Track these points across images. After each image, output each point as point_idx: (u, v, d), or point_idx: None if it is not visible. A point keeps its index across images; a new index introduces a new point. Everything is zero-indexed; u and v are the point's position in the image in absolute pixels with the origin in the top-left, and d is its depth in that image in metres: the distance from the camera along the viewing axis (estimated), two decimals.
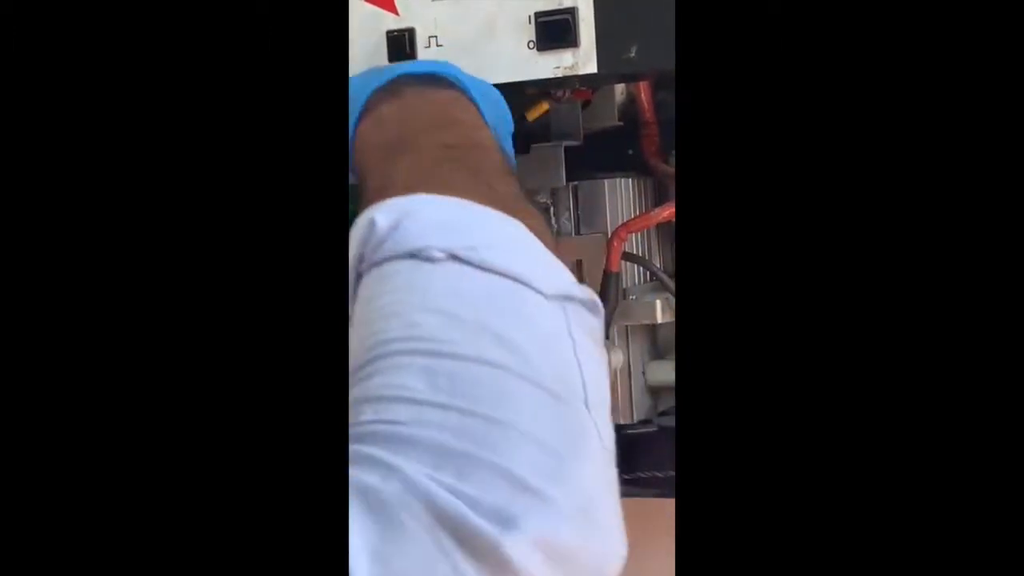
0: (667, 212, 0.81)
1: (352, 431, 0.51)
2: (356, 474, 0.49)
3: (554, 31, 0.71)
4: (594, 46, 0.71)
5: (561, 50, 0.71)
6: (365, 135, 0.63)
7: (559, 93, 0.81)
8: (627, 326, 0.84)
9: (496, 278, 0.53)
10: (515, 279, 0.54)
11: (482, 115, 0.65)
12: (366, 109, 0.63)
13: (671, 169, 0.85)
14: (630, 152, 0.88)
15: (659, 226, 0.85)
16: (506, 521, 0.48)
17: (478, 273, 0.53)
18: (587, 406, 0.53)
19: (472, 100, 0.65)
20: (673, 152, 0.87)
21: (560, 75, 0.72)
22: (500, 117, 0.69)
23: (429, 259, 0.53)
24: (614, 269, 0.81)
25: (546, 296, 0.54)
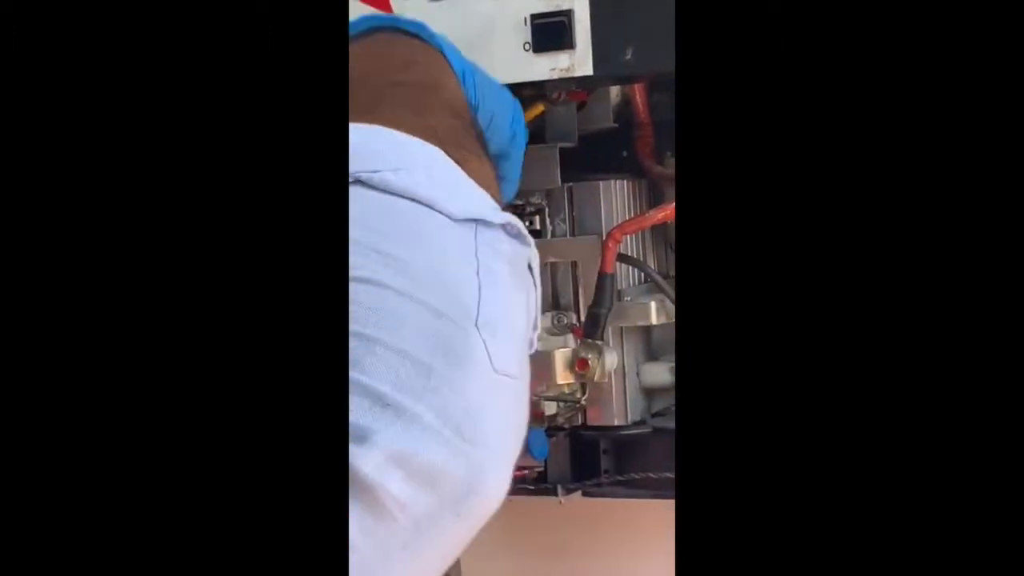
0: (662, 214, 0.81)
1: None
2: None
3: (550, 33, 0.71)
4: (590, 48, 0.71)
5: (557, 52, 0.72)
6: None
7: (555, 95, 0.81)
8: (622, 328, 0.84)
9: (398, 200, 0.53)
10: (418, 201, 0.54)
11: (453, 69, 0.65)
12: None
13: (666, 171, 0.85)
14: (625, 154, 0.88)
15: (654, 228, 0.86)
16: (360, 438, 0.48)
17: (379, 196, 0.53)
18: (477, 325, 0.52)
19: (444, 55, 0.65)
20: (668, 153, 0.87)
21: (556, 77, 0.72)
22: (501, 105, 0.69)
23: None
24: (609, 271, 0.81)
25: (453, 219, 0.54)
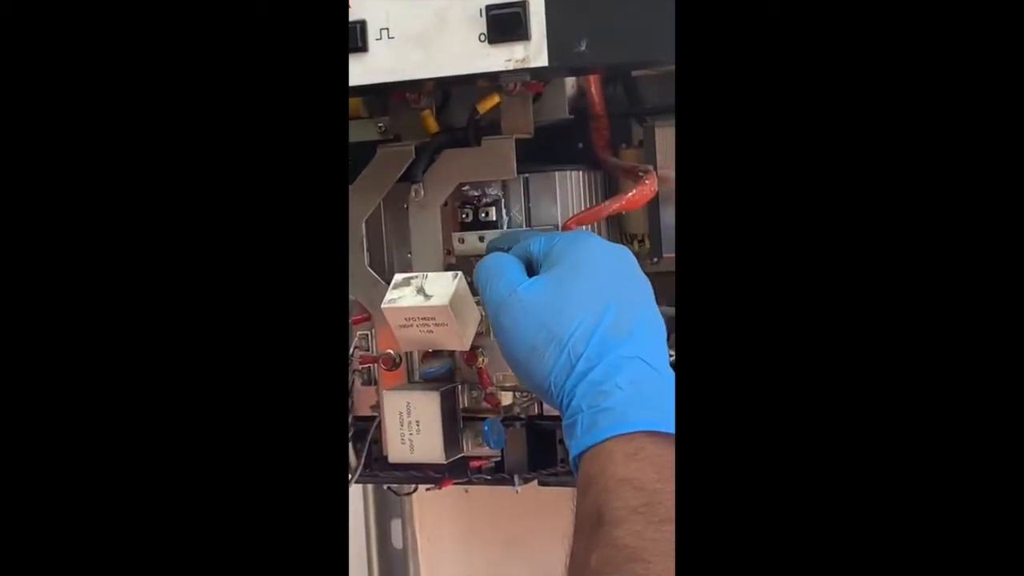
0: (617, 205, 0.81)
1: None
2: None
3: (505, 24, 0.71)
4: (545, 39, 0.71)
5: (512, 43, 0.72)
6: (619, 462, 0.61)
7: (510, 86, 0.81)
8: None
9: None
10: None
11: None
12: (629, 433, 0.62)
13: (621, 162, 0.86)
14: (580, 145, 0.88)
15: (609, 219, 0.86)
16: None
17: None
18: None
19: None
20: (623, 145, 0.88)
21: (511, 68, 0.72)
22: None
23: None
24: None
25: None
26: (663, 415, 0.62)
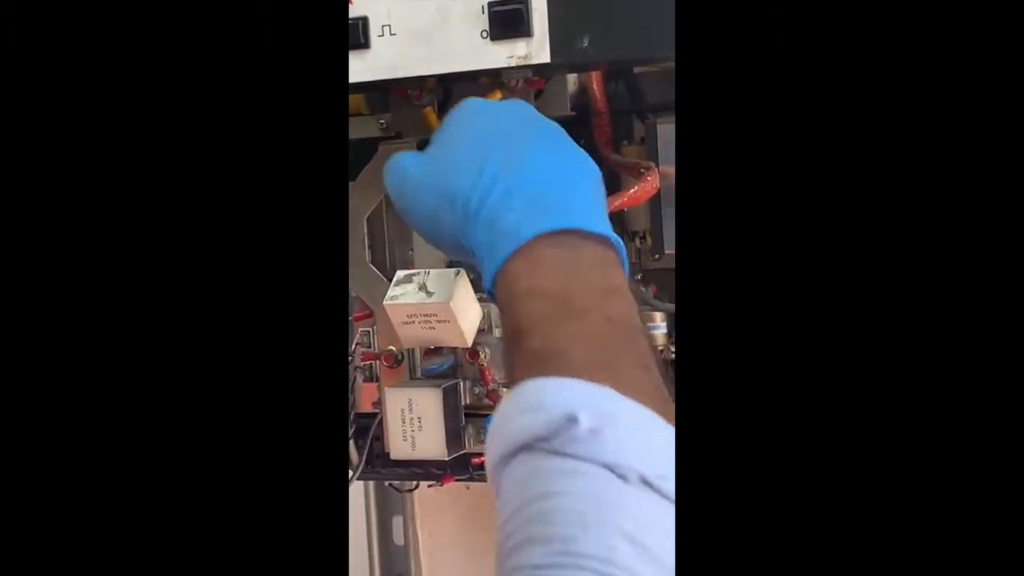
0: (619, 202, 0.81)
1: None
2: None
3: (507, 21, 0.71)
4: (547, 36, 0.71)
5: (514, 40, 0.72)
6: (520, 276, 0.60)
7: (512, 82, 0.81)
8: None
9: (669, 505, 0.53)
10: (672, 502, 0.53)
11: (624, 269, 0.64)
12: (525, 245, 0.61)
13: (622, 159, 0.86)
14: (582, 142, 0.88)
15: (611, 216, 0.86)
16: None
17: (665, 504, 0.53)
18: None
19: (624, 263, 0.63)
20: (624, 142, 0.88)
21: (513, 65, 0.72)
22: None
23: (624, 478, 0.52)
24: None
25: None
26: (560, 215, 0.61)
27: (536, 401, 0.55)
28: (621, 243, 0.63)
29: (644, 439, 0.54)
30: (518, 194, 0.62)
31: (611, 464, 0.53)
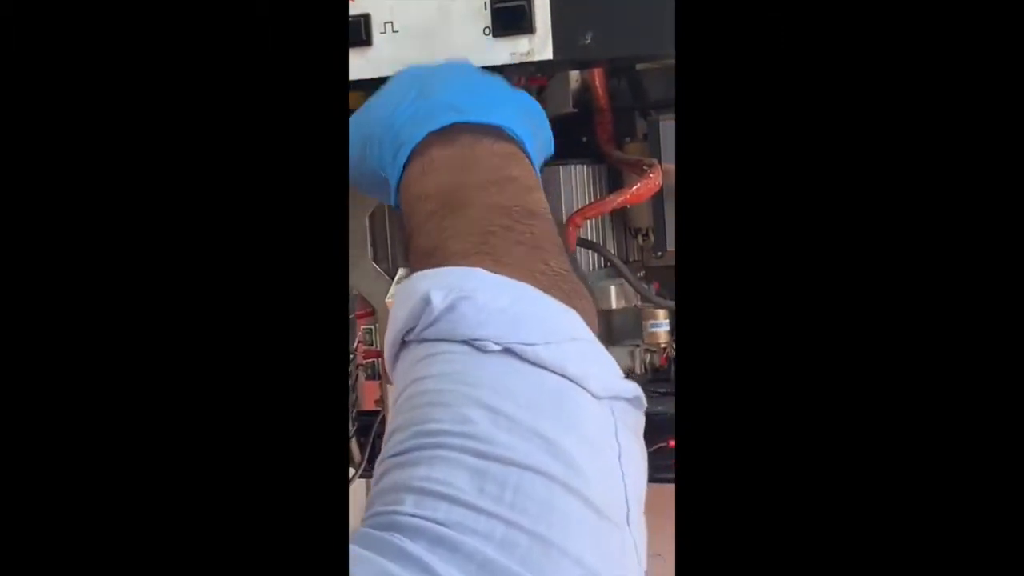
0: (621, 199, 0.81)
1: (386, 517, 0.50)
2: (392, 568, 0.47)
3: (510, 18, 0.71)
4: (549, 33, 0.71)
5: (517, 37, 0.72)
6: (413, 180, 0.60)
7: (515, 80, 0.81)
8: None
9: (549, 376, 0.52)
10: (568, 378, 0.52)
11: (536, 169, 0.62)
12: (416, 152, 0.60)
13: (625, 156, 0.86)
14: (584, 139, 0.88)
15: (613, 212, 0.86)
16: None
17: (532, 370, 0.52)
18: (628, 523, 0.52)
19: (527, 154, 0.62)
20: (627, 139, 0.88)
21: (516, 61, 0.72)
22: (544, 139, 0.67)
23: (483, 350, 0.52)
24: (571, 251, 0.81)
25: (596, 396, 0.53)
26: (452, 112, 0.60)
27: (404, 295, 0.54)
28: (524, 134, 0.62)
29: (506, 308, 0.53)
30: (421, 108, 0.61)
31: (469, 338, 0.52)
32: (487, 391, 0.51)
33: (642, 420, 0.56)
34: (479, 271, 0.54)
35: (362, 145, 0.64)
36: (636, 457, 0.54)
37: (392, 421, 0.53)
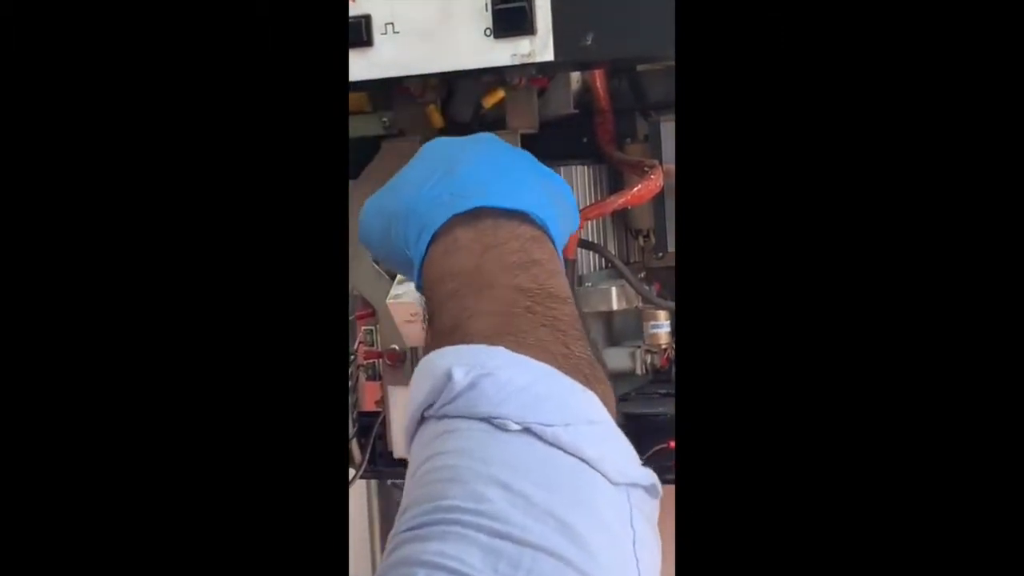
0: (622, 200, 0.81)
1: None
2: None
3: (511, 19, 0.71)
4: (550, 34, 0.71)
5: (518, 38, 0.72)
6: (436, 261, 0.60)
7: (515, 81, 0.81)
8: (583, 313, 0.84)
9: (567, 458, 0.52)
10: (586, 462, 0.52)
11: (559, 252, 0.63)
12: (439, 232, 0.60)
13: (626, 157, 0.85)
14: (585, 140, 0.88)
15: (614, 214, 0.86)
16: None
17: (550, 451, 0.52)
18: None
19: (551, 237, 0.62)
20: (628, 140, 0.88)
21: (517, 63, 0.72)
22: (569, 218, 0.67)
23: (502, 428, 0.52)
24: (570, 256, 0.81)
25: (613, 482, 0.53)
26: (477, 194, 0.60)
27: (425, 371, 0.55)
28: (548, 218, 0.62)
29: (527, 387, 0.53)
30: (446, 189, 0.61)
31: (488, 415, 0.52)
32: (504, 470, 0.51)
33: (657, 508, 0.57)
34: (501, 349, 0.54)
35: (387, 222, 0.64)
36: (650, 544, 0.54)
37: (406, 496, 0.53)
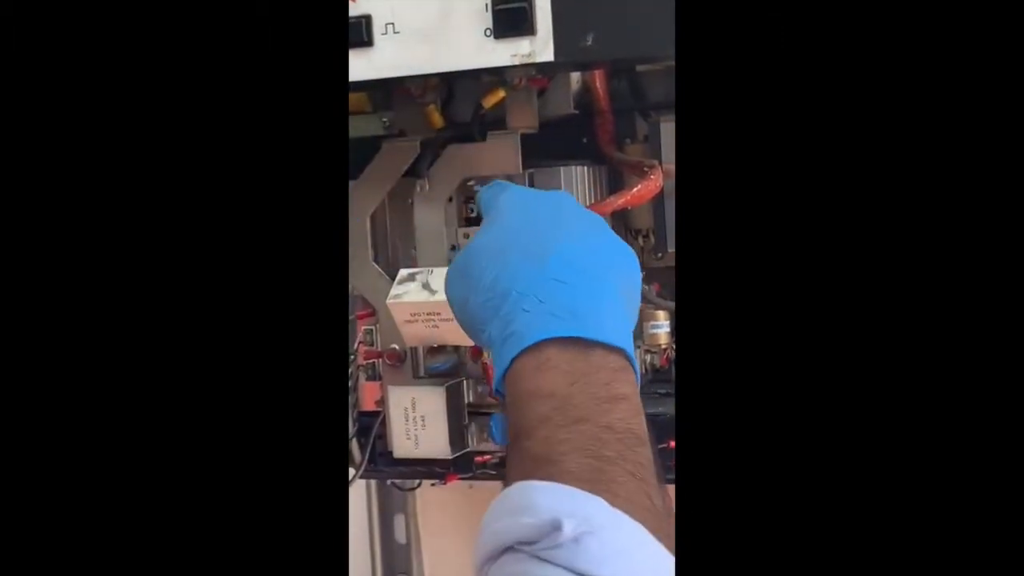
0: (622, 200, 0.81)
1: None
2: None
3: (511, 19, 0.71)
4: (551, 34, 0.71)
5: (518, 38, 0.72)
6: (526, 376, 0.60)
7: (516, 81, 0.81)
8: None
9: None
10: None
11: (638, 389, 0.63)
12: (534, 346, 0.60)
13: (625, 157, 0.86)
14: (585, 140, 0.88)
15: (614, 213, 0.86)
16: None
17: None
18: None
19: (634, 368, 0.62)
20: (628, 140, 0.88)
21: (517, 63, 0.72)
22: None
23: None
24: None
25: None
26: (572, 321, 0.60)
27: (526, 503, 0.55)
28: (632, 350, 0.62)
29: (627, 553, 0.54)
30: (532, 295, 0.62)
31: (587, 574, 0.53)
32: None
33: None
34: (601, 503, 0.55)
35: (465, 298, 0.65)
36: None
37: None
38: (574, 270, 0.62)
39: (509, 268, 0.63)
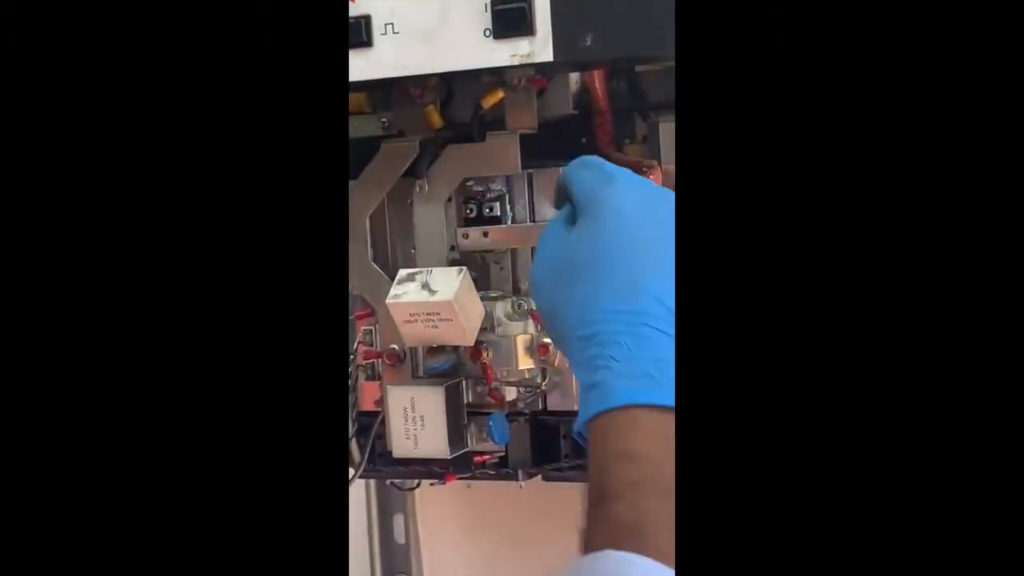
0: None
1: None
2: None
3: (510, 19, 0.71)
4: (550, 34, 0.71)
5: (517, 38, 0.72)
6: (616, 434, 0.59)
7: (515, 81, 0.81)
8: None
9: None
10: None
11: None
12: (624, 406, 0.59)
13: (625, 157, 0.86)
14: (584, 140, 0.88)
15: None
16: None
17: None
18: None
19: None
20: (627, 140, 0.88)
21: (516, 63, 0.72)
22: None
23: None
24: None
25: None
26: (663, 393, 0.59)
27: (609, 571, 0.55)
28: None
29: None
30: (621, 342, 0.60)
31: None
32: None
33: None
34: None
35: (552, 312, 0.64)
36: None
37: None
38: (667, 309, 0.60)
39: (601, 296, 0.61)
